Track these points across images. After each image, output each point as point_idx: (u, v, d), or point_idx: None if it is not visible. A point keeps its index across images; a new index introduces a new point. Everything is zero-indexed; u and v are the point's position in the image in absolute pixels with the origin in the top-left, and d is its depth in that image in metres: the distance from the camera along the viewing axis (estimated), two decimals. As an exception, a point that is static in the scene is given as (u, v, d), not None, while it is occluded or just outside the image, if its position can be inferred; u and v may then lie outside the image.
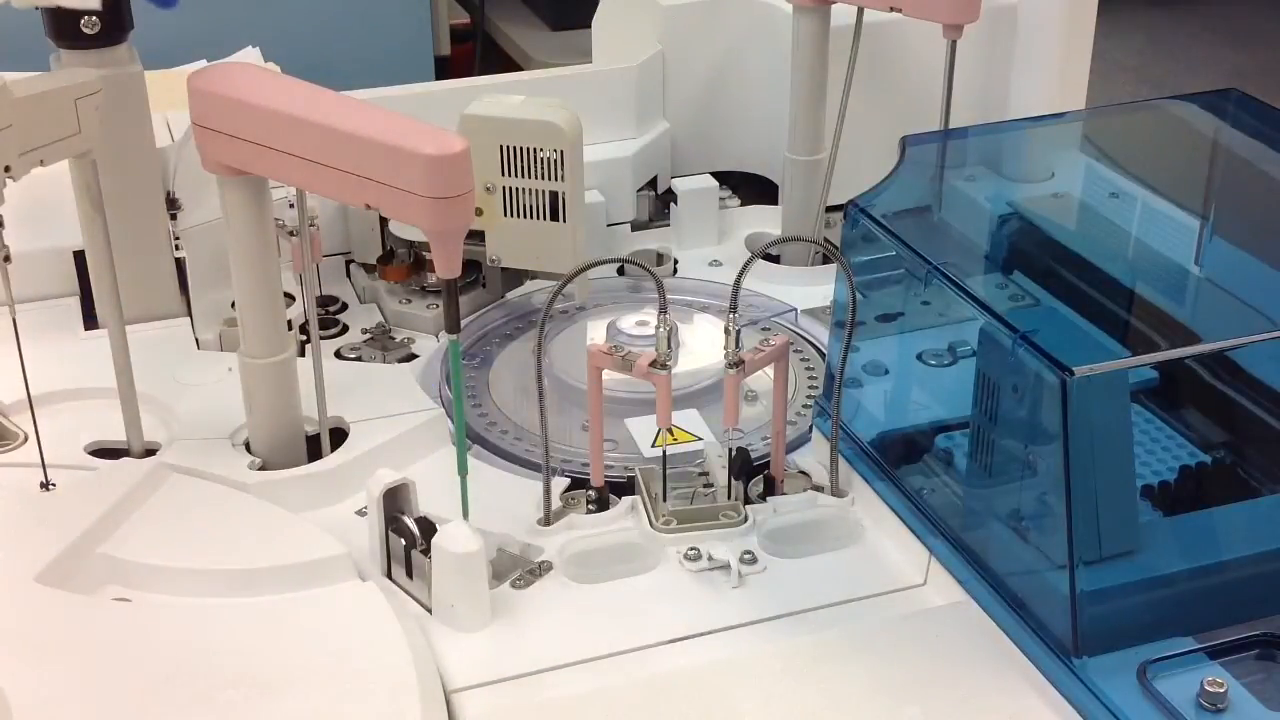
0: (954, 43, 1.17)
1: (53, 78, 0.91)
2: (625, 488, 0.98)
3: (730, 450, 0.96)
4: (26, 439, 0.99)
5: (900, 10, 1.16)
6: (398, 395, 1.06)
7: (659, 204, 1.38)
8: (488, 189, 1.15)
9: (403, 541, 0.89)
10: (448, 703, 0.81)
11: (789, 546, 0.93)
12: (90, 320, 1.13)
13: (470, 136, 0.90)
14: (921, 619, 0.88)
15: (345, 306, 1.22)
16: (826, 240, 1.21)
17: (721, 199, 1.36)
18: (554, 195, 1.15)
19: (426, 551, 0.87)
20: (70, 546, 0.89)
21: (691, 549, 0.92)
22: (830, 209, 1.27)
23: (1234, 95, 1.09)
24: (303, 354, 1.03)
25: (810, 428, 1.03)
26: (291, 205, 1.05)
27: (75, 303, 1.14)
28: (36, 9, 1.04)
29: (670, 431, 0.95)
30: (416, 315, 1.19)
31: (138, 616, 0.87)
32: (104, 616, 0.86)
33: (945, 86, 1.18)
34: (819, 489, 0.98)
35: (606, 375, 0.94)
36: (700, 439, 1.03)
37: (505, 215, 1.16)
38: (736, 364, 0.92)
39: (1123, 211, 1.04)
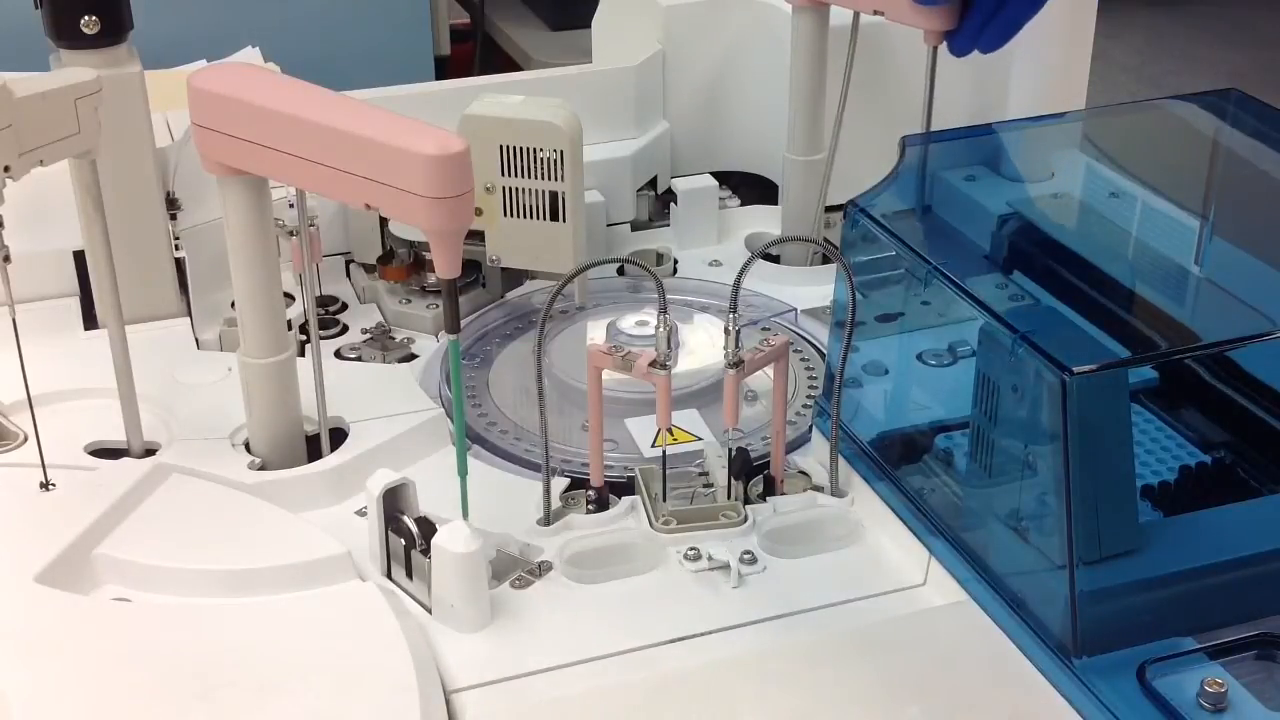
0: (935, 49, 1.17)
1: (53, 78, 0.91)
2: (625, 488, 0.98)
3: (730, 450, 0.96)
4: (26, 439, 0.99)
5: (883, 14, 1.16)
6: (398, 395, 1.06)
7: (659, 204, 1.38)
8: (488, 189, 1.15)
9: (402, 541, 0.89)
10: (448, 703, 0.81)
11: (789, 546, 0.93)
12: (90, 320, 1.13)
13: (470, 136, 0.90)
14: (921, 619, 0.88)
15: (345, 306, 1.22)
16: (826, 240, 1.21)
17: (721, 199, 1.36)
18: (554, 195, 1.15)
19: (426, 551, 0.87)
20: (70, 546, 0.89)
21: (691, 549, 0.92)
22: (830, 209, 1.27)
23: (1234, 95, 1.09)
24: (303, 354, 1.03)
25: (810, 428, 1.03)
26: (291, 205, 1.06)
27: (75, 303, 1.14)
28: (36, 9, 1.04)
29: (670, 431, 0.95)
30: (416, 315, 1.19)
31: (137, 616, 0.87)
32: (104, 616, 0.86)
33: (927, 92, 1.18)
34: (819, 489, 0.98)
35: (606, 375, 0.94)
36: (700, 439, 1.03)
37: (505, 215, 1.16)
38: (736, 364, 0.92)
39: (1123, 211, 1.04)
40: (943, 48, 1.13)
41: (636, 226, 1.35)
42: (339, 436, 1.02)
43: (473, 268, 1.19)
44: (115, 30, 1.05)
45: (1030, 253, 0.99)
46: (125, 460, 0.99)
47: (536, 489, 0.96)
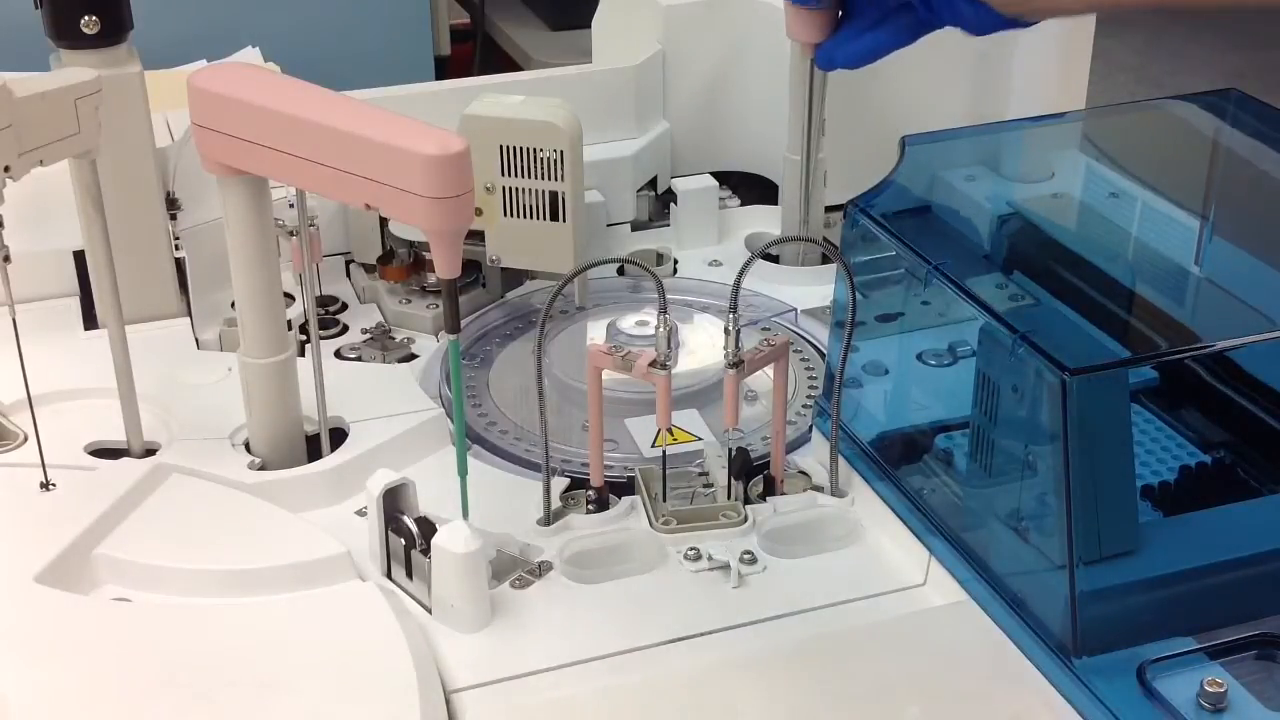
0: (812, 61, 1.17)
1: (53, 78, 0.91)
2: (625, 488, 0.98)
3: (730, 450, 0.96)
4: (26, 439, 0.99)
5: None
6: (398, 395, 1.06)
7: (659, 204, 1.38)
8: (488, 189, 1.15)
9: (402, 541, 0.89)
10: (448, 703, 0.81)
11: (789, 546, 0.93)
12: (90, 320, 1.13)
13: (470, 136, 0.90)
14: (921, 619, 0.88)
15: (345, 306, 1.22)
16: (826, 240, 1.21)
17: (721, 199, 1.36)
18: (554, 195, 1.15)
19: (426, 551, 0.87)
20: (70, 546, 0.89)
21: (691, 549, 0.92)
22: (830, 209, 1.27)
23: (1234, 95, 1.09)
24: (303, 354, 1.03)
25: (810, 428, 1.03)
26: (291, 205, 1.06)
27: (75, 303, 1.14)
28: (36, 9, 1.04)
29: (670, 431, 0.95)
30: (416, 315, 1.19)
31: (137, 616, 0.87)
32: (104, 616, 0.86)
33: (806, 106, 1.18)
34: (819, 489, 0.98)
35: (606, 375, 0.94)
36: (700, 439, 1.03)
37: (505, 215, 1.16)
38: (736, 364, 0.92)
39: (1123, 211, 1.04)
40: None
41: (636, 226, 1.35)
42: (339, 436, 1.02)
43: (473, 268, 1.19)
44: (115, 30, 1.05)
45: (1030, 253, 0.99)
46: (125, 460, 0.99)
47: (536, 489, 0.96)
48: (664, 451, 0.97)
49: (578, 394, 1.04)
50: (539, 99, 1.16)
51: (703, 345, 1.13)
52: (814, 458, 1.01)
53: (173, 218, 1.15)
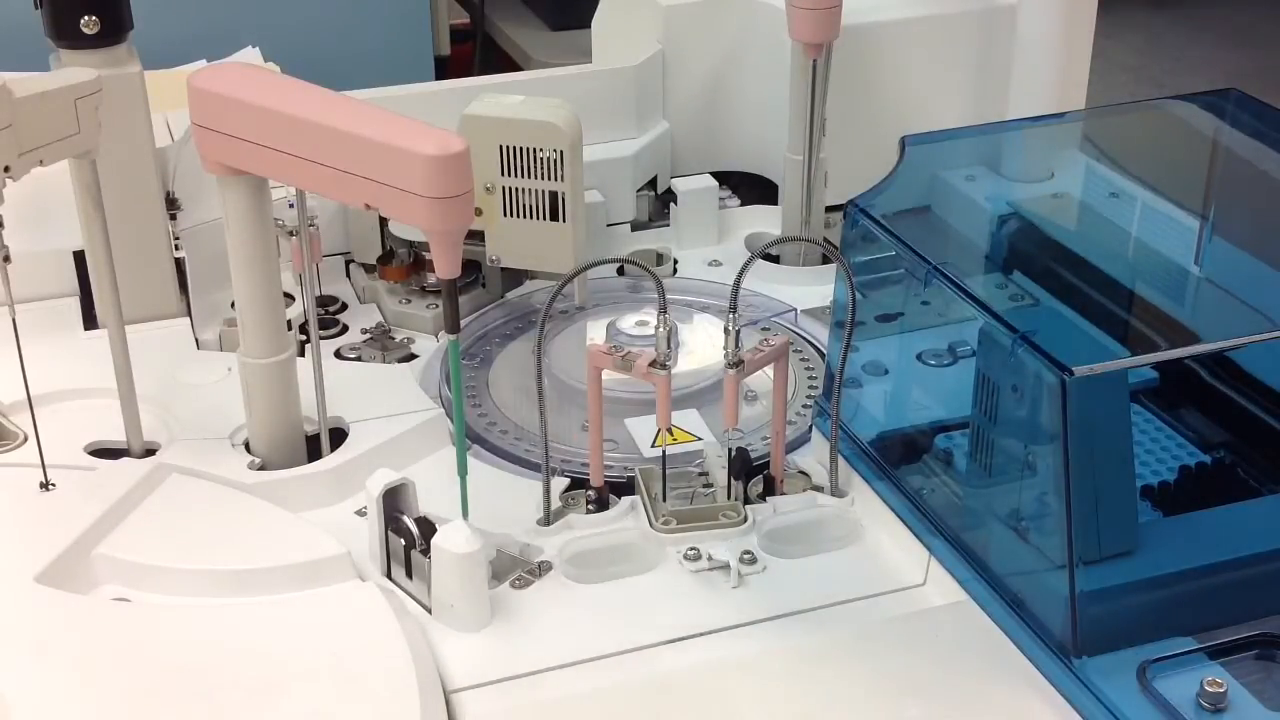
0: (815, 62, 1.17)
1: (53, 78, 0.91)
2: (625, 488, 0.98)
3: (730, 450, 0.96)
4: (26, 439, 0.99)
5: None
6: (398, 395, 1.06)
7: (659, 204, 1.38)
8: (488, 189, 1.15)
9: (402, 541, 0.89)
10: (447, 703, 0.81)
11: (789, 546, 0.93)
12: (90, 320, 1.13)
13: (470, 136, 0.90)
14: (921, 619, 0.88)
15: (345, 306, 1.22)
16: (826, 240, 1.21)
17: (721, 199, 1.36)
18: (554, 195, 1.15)
19: (426, 551, 0.87)
20: (70, 546, 0.89)
21: (691, 549, 0.92)
22: (830, 209, 1.27)
23: (1234, 95, 1.09)
24: (303, 354, 1.03)
25: (810, 428, 1.03)
26: (291, 205, 1.06)
27: (75, 303, 1.14)
28: (36, 9, 1.04)
29: (670, 431, 0.95)
30: (416, 315, 1.19)
31: (137, 616, 0.87)
32: (103, 616, 0.86)
33: (808, 106, 1.18)
34: (819, 489, 0.98)
35: (606, 375, 0.94)
36: (700, 439, 1.03)
37: (505, 215, 1.16)
38: (736, 364, 0.92)
39: (1123, 211, 1.04)
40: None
41: (636, 226, 1.35)
42: (339, 436, 1.02)
43: (473, 268, 1.19)
44: (115, 30, 1.05)
45: (1030, 253, 0.99)
46: (125, 460, 0.99)
47: (536, 489, 0.96)
48: (664, 451, 0.97)
49: (578, 394, 1.04)
50: (539, 99, 1.16)
51: (703, 345, 1.13)
52: (814, 458, 1.01)
53: (173, 218, 1.15)
